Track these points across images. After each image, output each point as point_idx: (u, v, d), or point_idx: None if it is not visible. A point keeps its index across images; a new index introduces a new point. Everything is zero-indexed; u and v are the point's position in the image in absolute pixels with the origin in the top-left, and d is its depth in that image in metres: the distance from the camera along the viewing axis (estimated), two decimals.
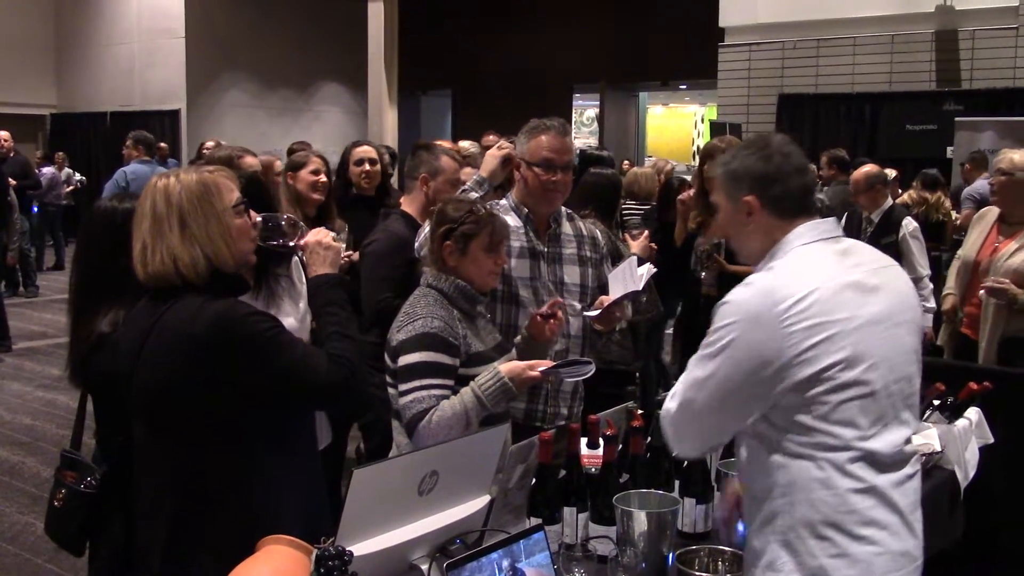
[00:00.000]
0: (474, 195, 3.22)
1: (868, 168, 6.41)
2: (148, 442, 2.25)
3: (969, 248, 4.73)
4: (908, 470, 2.01)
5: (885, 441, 1.95)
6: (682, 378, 2.03)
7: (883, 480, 1.94)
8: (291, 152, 7.47)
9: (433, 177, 3.81)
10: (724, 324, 1.94)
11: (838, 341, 1.89)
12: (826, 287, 1.92)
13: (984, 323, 4.45)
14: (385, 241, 3.76)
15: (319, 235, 2.43)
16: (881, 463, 1.94)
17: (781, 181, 2.05)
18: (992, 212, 4.74)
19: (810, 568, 1.92)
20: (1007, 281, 4.30)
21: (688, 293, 4.91)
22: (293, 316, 3.01)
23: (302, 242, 2.43)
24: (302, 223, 2.51)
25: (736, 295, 1.96)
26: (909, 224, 6.03)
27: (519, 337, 3.00)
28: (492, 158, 3.32)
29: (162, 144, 13.71)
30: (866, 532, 1.92)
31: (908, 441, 2.02)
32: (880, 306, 1.98)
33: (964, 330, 4.70)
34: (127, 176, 7.79)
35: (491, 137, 7.17)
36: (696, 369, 1.98)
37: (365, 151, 5.03)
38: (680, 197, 4.79)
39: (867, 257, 2.07)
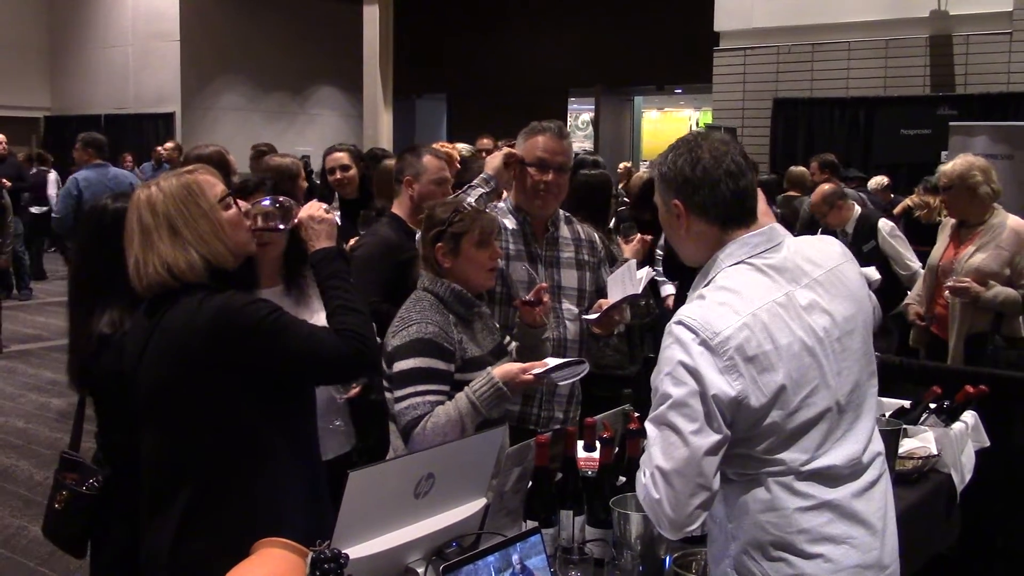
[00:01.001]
0: (480, 191, 3.22)
1: (823, 188, 6.49)
2: (154, 442, 2.25)
3: (934, 254, 4.88)
4: (870, 476, 1.95)
5: (838, 456, 1.89)
6: (649, 449, 1.85)
7: (839, 493, 1.89)
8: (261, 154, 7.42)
9: (416, 179, 3.79)
10: (666, 372, 1.84)
11: (776, 373, 1.82)
12: (755, 318, 1.83)
13: (952, 322, 4.59)
14: (372, 246, 3.73)
15: (311, 209, 2.42)
16: (836, 477, 1.89)
17: (708, 187, 1.94)
18: (953, 220, 4.90)
19: None
20: (968, 280, 4.43)
21: (682, 296, 4.90)
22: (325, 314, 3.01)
23: (295, 220, 2.42)
24: (293, 202, 2.49)
25: (672, 337, 1.85)
26: (885, 226, 6.11)
27: (513, 346, 3.00)
28: (494, 157, 3.33)
29: (159, 148, 13.68)
30: (820, 549, 1.87)
31: (868, 446, 1.95)
32: (822, 321, 1.90)
33: (934, 330, 4.82)
34: (79, 184, 7.52)
35: (485, 141, 7.17)
36: (655, 428, 1.84)
37: (336, 159, 4.99)
38: None
39: (808, 266, 1.96)
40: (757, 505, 1.88)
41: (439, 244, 2.76)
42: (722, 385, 1.79)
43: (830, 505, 1.88)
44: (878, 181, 9.39)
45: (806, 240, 2.08)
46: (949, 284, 4.51)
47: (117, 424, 2.56)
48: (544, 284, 3.00)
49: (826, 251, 2.05)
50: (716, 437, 1.80)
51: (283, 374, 2.19)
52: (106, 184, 7.56)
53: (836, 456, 1.88)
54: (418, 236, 3.11)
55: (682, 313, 1.87)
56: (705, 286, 1.94)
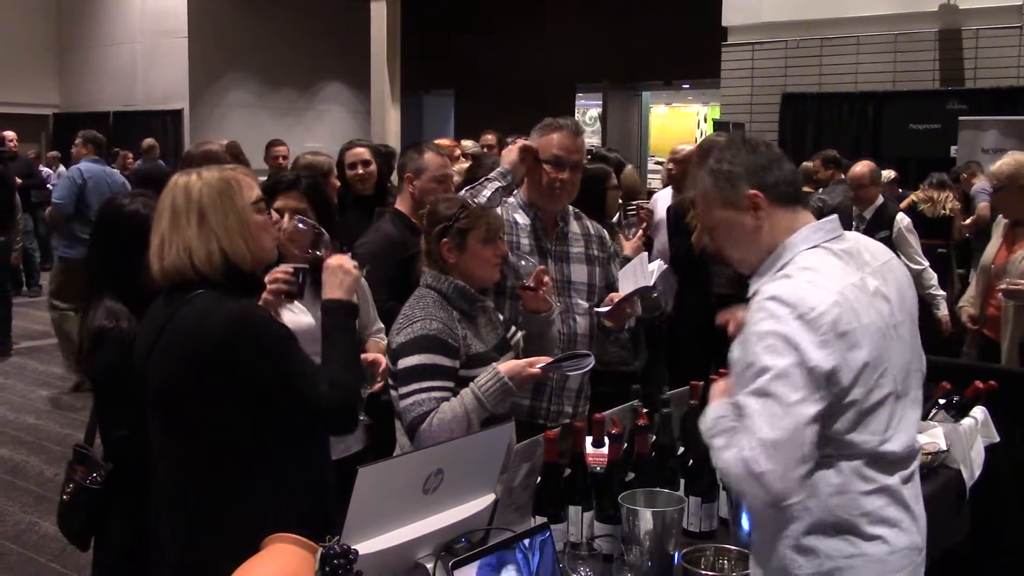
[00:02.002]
0: (497, 185, 3.21)
1: (868, 162, 6.47)
2: (163, 437, 2.26)
3: (987, 254, 4.79)
4: (914, 465, 2.04)
5: (899, 441, 1.95)
6: (749, 421, 1.82)
7: (894, 479, 1.96)
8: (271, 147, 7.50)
9: (417, 176, 3.77)
10: (764, 345, 1.83)
11: (861, 351, 1.86)
12: (843, 296, 1.87)
13: (1005, 324, 4.51)
14: (375, 244, 3.69)
15: (342, 259, 2.44)
16: (893, 462, 1.95)
17: (776, 166, 2.02)
18: (1006, 220, 4.80)
19: (826, 570, 1.92)
20: (1023, 283, 4.33)
21: (694, 293, 4.90)
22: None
23: (327, 261, 2.44)
24: (328, 236, 2.54)
25: (765, 312, 1.86)
26: (903, 220, 6.10)
27: (519, 335, 3.00)
28: (510, 151, 3.31)
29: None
30: (879, 531, 1.93)
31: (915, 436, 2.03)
32: (885, 308, 1.96)
33: (986, 332, 4.74)
34: (83, 174, 7.80)
35: (489, 137, 7.16)
36: (756, 399, 1.82)
37: (357, 154, 4.98)
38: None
39: (868, 256, 2.03)
40: (827, 488, 1.92)
41: (445, 240, 2.76)
42: (820, 358, 1.82)
43: (887, 490, 1.95)
44: (885, 175, 9.36)
45: (859, 235, 2.16)
46: (1003, 286, 4.43)
47: (117, 419, 2.59)
48: (543, 267, 3.00)
49: (878, 246, 2.13)
50: (818, 406, 1.82)
51: (273, 393, 2.19)
52: (105, 178, 7.75)
53: (897, 443, 1.94)
54: None
55: (773, 290, 1.89)
56: (781, 269, 1.97)
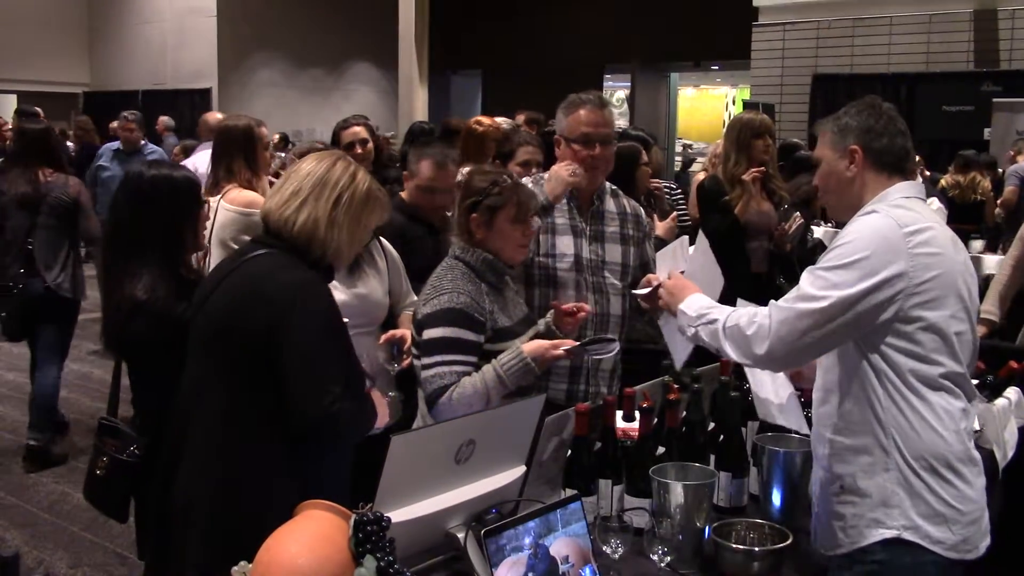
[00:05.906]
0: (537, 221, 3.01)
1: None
2: (204, 378, 2.32)
3: None
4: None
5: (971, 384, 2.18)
6: (793, 292, 2.13)
7: (966, 422, 2.16)
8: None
9: (410, 177, 3.68)
10: (849, 241, 2.08)
11: (943, 280, 2.07)
12: (938, 229, 2.12)
13: None
14: (383, 229, 3.65)
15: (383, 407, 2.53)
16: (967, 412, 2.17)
17: (887, 136, 2.21)
18: None
19: (928, 504, 2.08)
20: None
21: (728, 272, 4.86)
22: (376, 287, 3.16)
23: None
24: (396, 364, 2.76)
25: (859, 225, 2.12)
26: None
27: (544, 321, 2.93)
28: (560, 182, 3.15)
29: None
30: (967, 470, 2.14)
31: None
32: (963, 256, 2.20)
33: None
34: None
35: (521, 116, 7.13)
36: (811, 285, 2.09)
37: (355, 133, 4.65)
38: (746, 177, 4.59)
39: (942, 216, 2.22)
40: (928, 424, 2.12)
41: (474, 215, 2.75)
42: (896, 270, 2.09)
43: (967, 432, 2.22)
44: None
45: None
46: None
47: (152, 390, 2.60)
48: (586, 307, 2.90)
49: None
50: (852, 313, 2.11)
51: (286, 368, 2.22)
52: None
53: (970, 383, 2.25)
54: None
55: (863, 217, 2.16)
56: (878, 205, 2.17)
